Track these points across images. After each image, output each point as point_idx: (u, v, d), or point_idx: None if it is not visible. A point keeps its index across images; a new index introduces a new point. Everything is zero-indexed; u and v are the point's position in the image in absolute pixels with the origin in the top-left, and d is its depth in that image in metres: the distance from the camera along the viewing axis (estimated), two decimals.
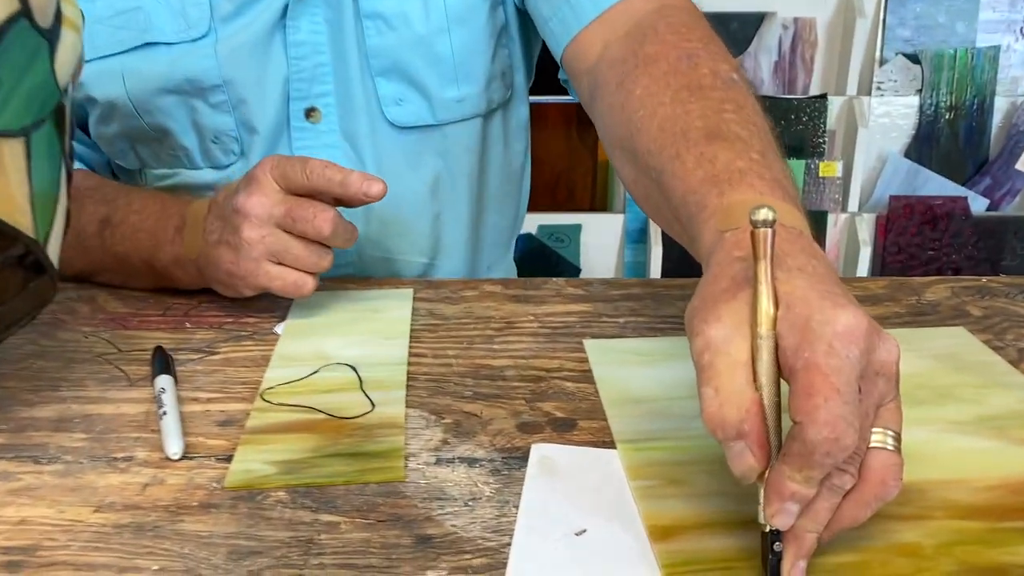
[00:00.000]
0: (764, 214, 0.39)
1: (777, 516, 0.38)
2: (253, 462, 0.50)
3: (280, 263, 0.63)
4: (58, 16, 0.51)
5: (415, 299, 0.72)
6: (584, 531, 0.44)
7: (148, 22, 0.73)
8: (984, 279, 0.76)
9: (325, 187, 0.62)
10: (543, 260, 1.79)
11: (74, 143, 0.81)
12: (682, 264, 1.74)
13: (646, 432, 0.52)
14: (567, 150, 1.79)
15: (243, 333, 0.67)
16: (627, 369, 0.60)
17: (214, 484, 0.49)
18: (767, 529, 0.39)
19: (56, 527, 0.45)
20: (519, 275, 0.97)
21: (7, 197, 0.45)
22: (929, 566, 0.41)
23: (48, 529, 0.45)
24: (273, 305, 0.71)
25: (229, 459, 0.51)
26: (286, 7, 0.74)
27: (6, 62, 0.45)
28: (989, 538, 0.43)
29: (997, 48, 1.74)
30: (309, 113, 0.77)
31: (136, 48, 0.73)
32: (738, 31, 1.76)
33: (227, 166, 0.78)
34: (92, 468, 0.50)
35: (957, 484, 0.47)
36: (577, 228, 1.78)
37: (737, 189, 0.47)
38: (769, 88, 1.77)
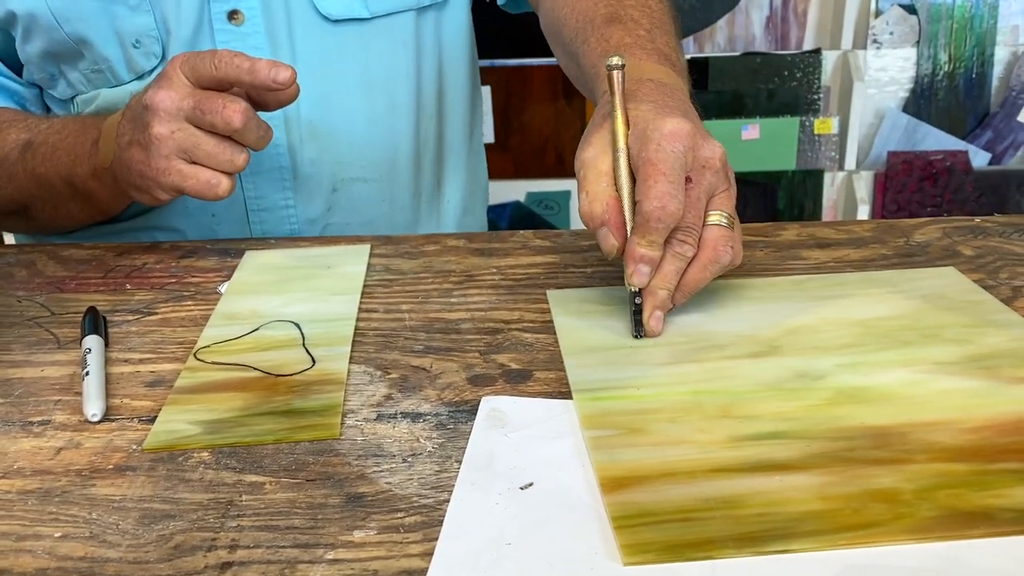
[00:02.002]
0: (614, 61, 0.52)
1: (634, 276, 0.51)
2: (177, 422, 0.46)
3: (193, 162, 0.61)
4: None
5: (372, 255, 0.68)
6: (531, 484, 0.41)
7: None
8: (978, 219, 0.72)
9: (235, 76, 0.60)
10: (532, 228, 1.74)
11: (5, 79, 0.78)
12: None
13: (604, 381, 0.48)
14: (553, 114, 1.74)
15: (185, 293, 0.63)
16: (589, 319, 0.56)
17: (134, 446, 0.45)
18: (631, 290, 0.52)
19: None
20: None
21: None
22: (908, 512, 0.37)
23: None
24: (220, 265, 0.67)
25: (152, 420, 0.47)
26: None
27: None
28: (975, 481, 0.39)
29: None
30: (232, 15, 0.74)
31: None
32: None
33: (150, 72, 0.75)
34: (4, 433, 0.46)
35: (942, 426, 0.43)
36: (567, 195, 1.74)
37: (602, 68, 0.57)
38: (761, 44, 1.72)
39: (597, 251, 0.67)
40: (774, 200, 1.71)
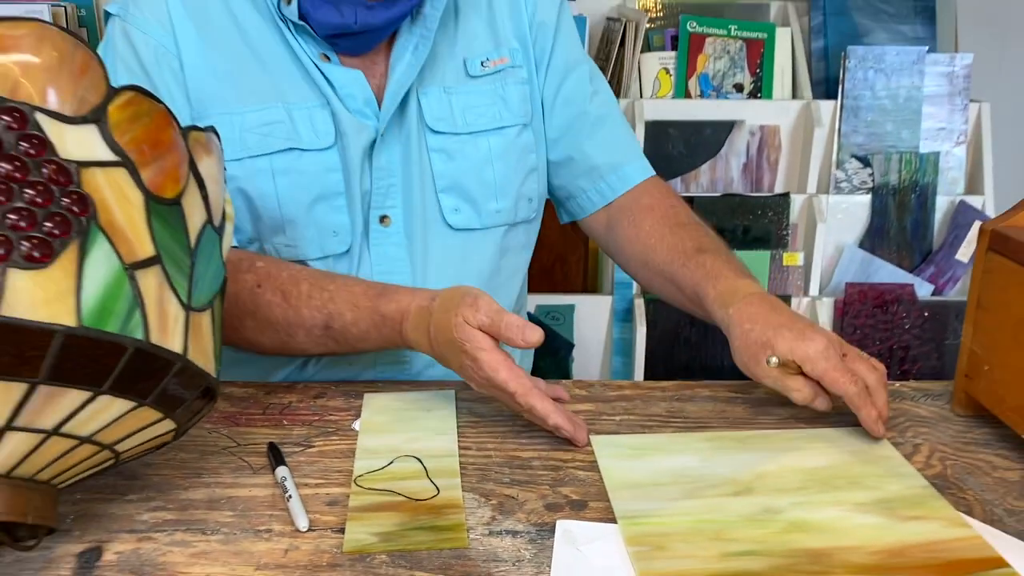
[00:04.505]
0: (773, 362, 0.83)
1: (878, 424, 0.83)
2: (360, 533, 0.70)
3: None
4: (223, 214, 0.72)
5: (457, 399, 0.93)
6: None
7: (292, 130, 0.94)
8: (897, 384, 0.98)
9: (507, 335, 0.79)
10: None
11: None
12: (661, 341, 1.96)
13: (638, 510, 0.73)
14: (562, 238, 2.01)
15: (329, 429, 0.87)
16: (624, 461, 0.81)
17: (335, 549, 0.69)
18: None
19: None
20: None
21: (203, 352, 0.66)
22: None
23: None
24: (347, 404, 0.91)
25: (341, 531, 0.71)
26: (374, 141, 0.97)
27: (201, 257, 0.66)
28: None
29: (938, 153, 1.99)
30: (382, 219, 0.99)
31: (282, 151, 0.95)
32: (711, 136, 2.00)
33: (336, 255, 0.98)
34: (244, 537, 0.70)
35: (855, 549, 0.68)
36: (571, 308, 2.00)
37: (712, 285, 0.91)
38: (738, 186, 2.01)
39: (622, 401, 0.92)
40: None
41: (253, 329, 0.92)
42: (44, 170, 0.56)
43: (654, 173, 1.11)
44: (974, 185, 2.00)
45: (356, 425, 0.87)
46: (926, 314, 1.94)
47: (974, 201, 1.97)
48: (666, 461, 0.80)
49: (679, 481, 0.77)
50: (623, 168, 1.08)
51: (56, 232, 0.55)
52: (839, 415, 0.89)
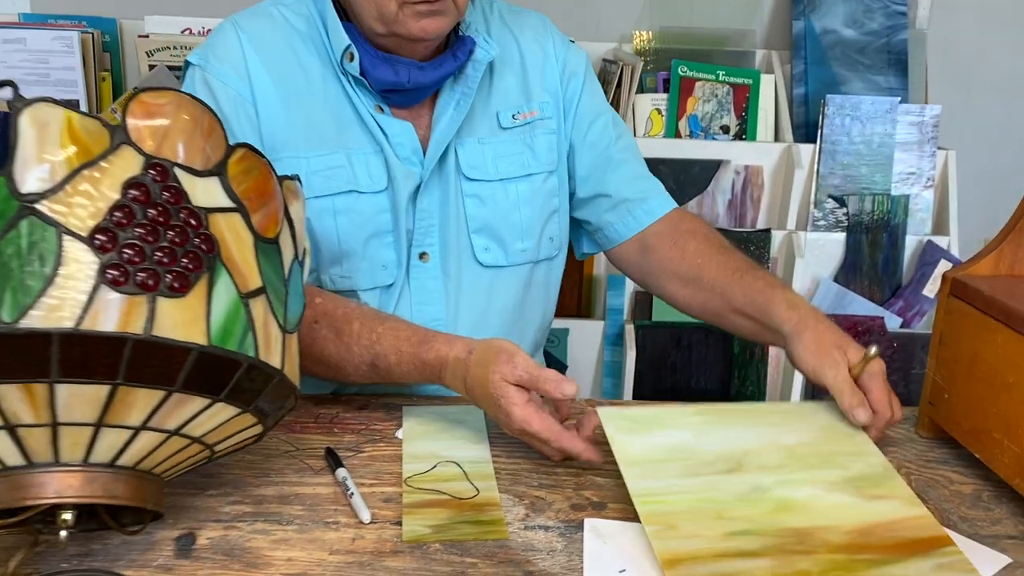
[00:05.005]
0: (873, 351, 0.96)
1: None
2: (416, 525, 0.82)
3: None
4: (304, 250, 0.84)
5: (486, 413, 1.05)
6: (624, 570, 0.77)
7: (352, 175, 1.06)
8: None
9: (543, 388, 0.89)
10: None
11: None
12: (650, 364, 2.09)
13: (649, 488, 0.84)
14: None
15: (376, 437, 0.98)
16: (629, 436, 0.90)
17: (396, 538, 0.80)
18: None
19: (311, 563, 0.76)
20: None
21: (292, 367, 0.77)
22: None
23: (308, 564, 0.76)
24: (388, 416, 1.03)
25: (398, 523, 0.82)
26: (419, 186, 1.09)
27: (291, 287, 0.78)
28: (848, 566, 0.76)
29: (908, 196, 2.14)
30: (422, 255, 1.11)
31: (343, 192, 1.07)
32: (699, 174, 2.14)
33: (385, 287, 1.10)
34: (316, 528, 0.81)
35: (831, 529, 0.81)
36: (565, 331, 2.12)
37: (780, 292, 1.05)
38: (724, 222, 2.15)
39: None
40: (730, 346, 2.11)
41: (307, 358, 1.03)
42: (181, 215, 0.67)
43: (677, 205, 1.24)
44: (941, 226, 2.16)
45: (399, 434, 0.99)
46: (895, 345, 2.09)
47: (940, 241, 2.12)
48: (664, 437, 0.91)
49: (676, 458, 0.89)
50: (649, 202, 1.21)
51: (191, 267, 0.67)
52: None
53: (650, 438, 0.92)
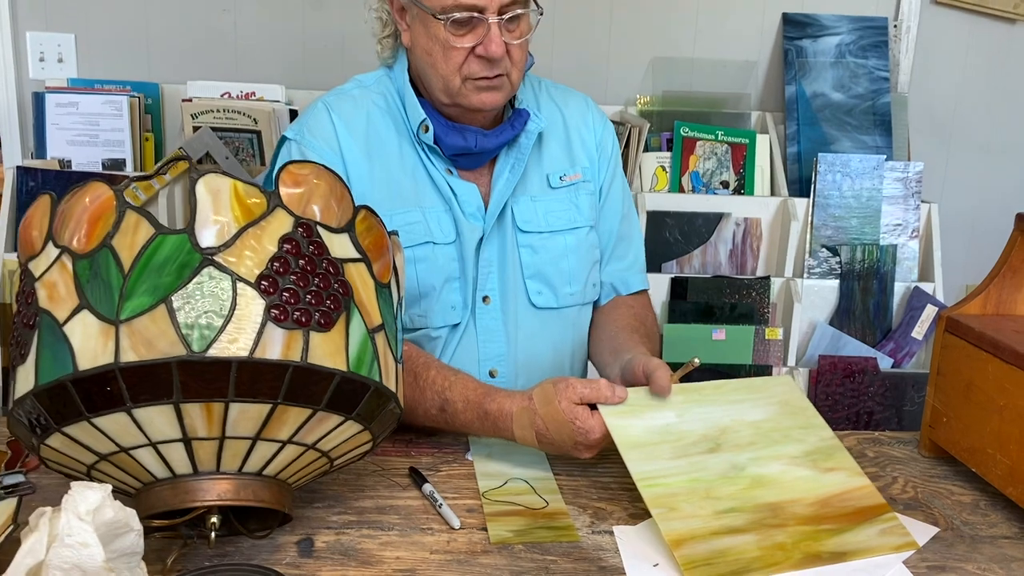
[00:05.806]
0: (696, 361, 1.07)
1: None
2: (500, 530, 0.95)
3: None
4: (398, 281, 0.98)
5: None
6: (656, 564, 0.90)
7: (427, 229, 1.21)
8: (877, 433, 1.26)
9: (594, 397, 1.03)
10: None
11: None
12: None
13: (648, 472, 0.96)
14: None
15: (450, 458, 1.12)
16: (622, 419, 1.02)
17: (484, 541, 0.93)
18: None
19: (416, 560, 0.89)
20: None
21: (401, 392, 0.91)
22: (791, 555, 0.89)
23: (413, 562, 0.89)
24: (456, 441, 1.17)
25: (483, 529, 0.96)
26: (482, 238, 1.24)
27: (398, 324, 0.92)
28: (815, 536, 0.91)
29: (895, 246, 2.32)
30: (484, 298, 1.26)
31: (421, 244, 1.21)
32: (702, 226, 2.31)
33: (452, 326, 1.24)
34: (414, 533, 0.95)
35: (797, 502, 0.96)
36: None
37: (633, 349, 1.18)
38: (726, 269, 2.32)
39: None
40: None
41: None
42: (324, 265, 0.82)
43: (648, 287, 1.41)
44: (926, 273, 2.33)
45: (469, 455, 1.13)
46: (888, 383, 2.25)
47: (926, 287, 2.29)
48: (653, 419, 1.03)
49: (666, 440, 1.01)
50: (629, 281, 1.39)
51: (333, 307, 0.81)
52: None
53: (642, 420, 1.02)
